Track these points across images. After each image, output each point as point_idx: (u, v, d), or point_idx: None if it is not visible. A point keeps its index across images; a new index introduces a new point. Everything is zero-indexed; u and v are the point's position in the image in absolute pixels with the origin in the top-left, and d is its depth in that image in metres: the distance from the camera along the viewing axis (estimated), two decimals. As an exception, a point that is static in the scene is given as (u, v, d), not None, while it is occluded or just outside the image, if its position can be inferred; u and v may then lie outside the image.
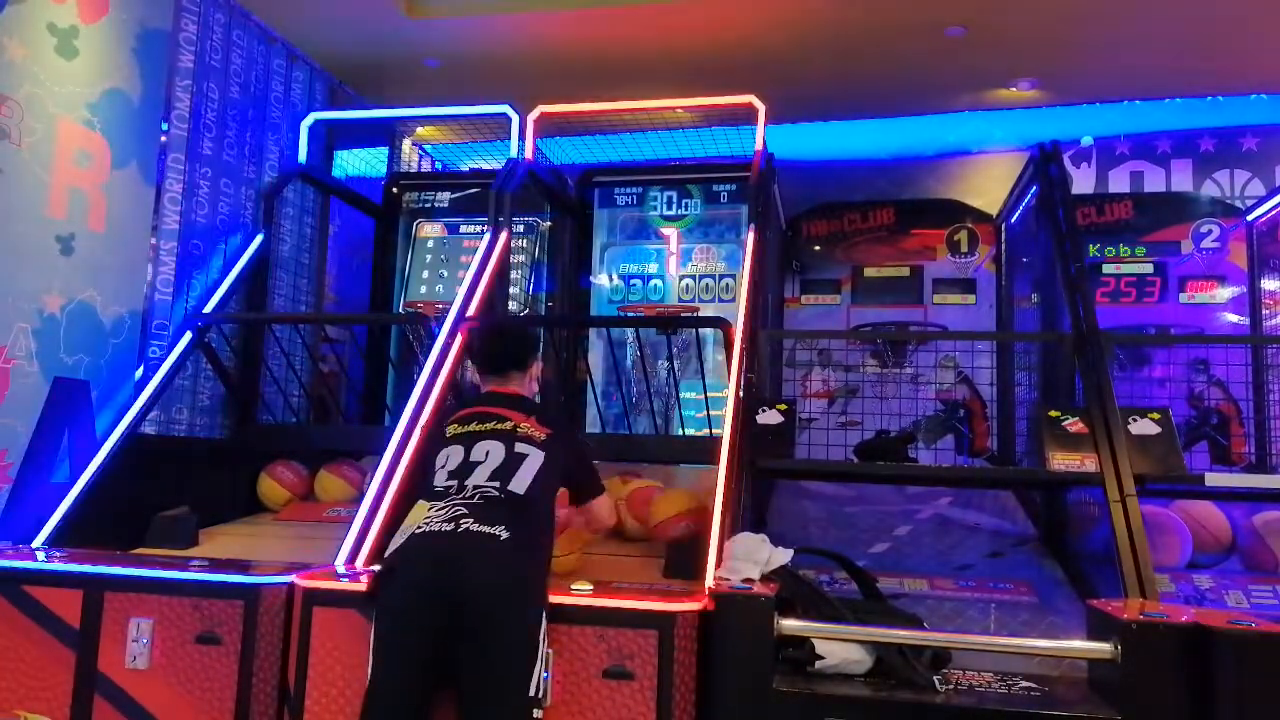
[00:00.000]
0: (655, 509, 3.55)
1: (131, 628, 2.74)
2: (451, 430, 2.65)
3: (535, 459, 2.56)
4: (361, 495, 3.44)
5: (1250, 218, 5.22)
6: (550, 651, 2.52)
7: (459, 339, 3.81)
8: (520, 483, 2.50)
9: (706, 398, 4.39)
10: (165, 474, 4.03)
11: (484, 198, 4.48)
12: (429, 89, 5.71)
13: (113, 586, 2.80)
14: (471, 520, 2.38)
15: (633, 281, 5.59)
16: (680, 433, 4.24)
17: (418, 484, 2.72)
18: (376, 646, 2.39)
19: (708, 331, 4.05)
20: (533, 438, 2.61)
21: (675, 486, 3.79)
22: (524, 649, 2.33)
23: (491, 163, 6.00)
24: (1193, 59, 5.28)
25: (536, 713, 2.36)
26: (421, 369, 3.78)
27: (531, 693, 2.32)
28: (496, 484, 2.47)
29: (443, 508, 2.43)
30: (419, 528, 2.40)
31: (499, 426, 2.62)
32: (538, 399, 3.03)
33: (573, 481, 2.79)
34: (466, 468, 2.52)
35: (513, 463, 2.53)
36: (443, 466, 2.55)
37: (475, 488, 2.46)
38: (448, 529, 2.36)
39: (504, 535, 2.36)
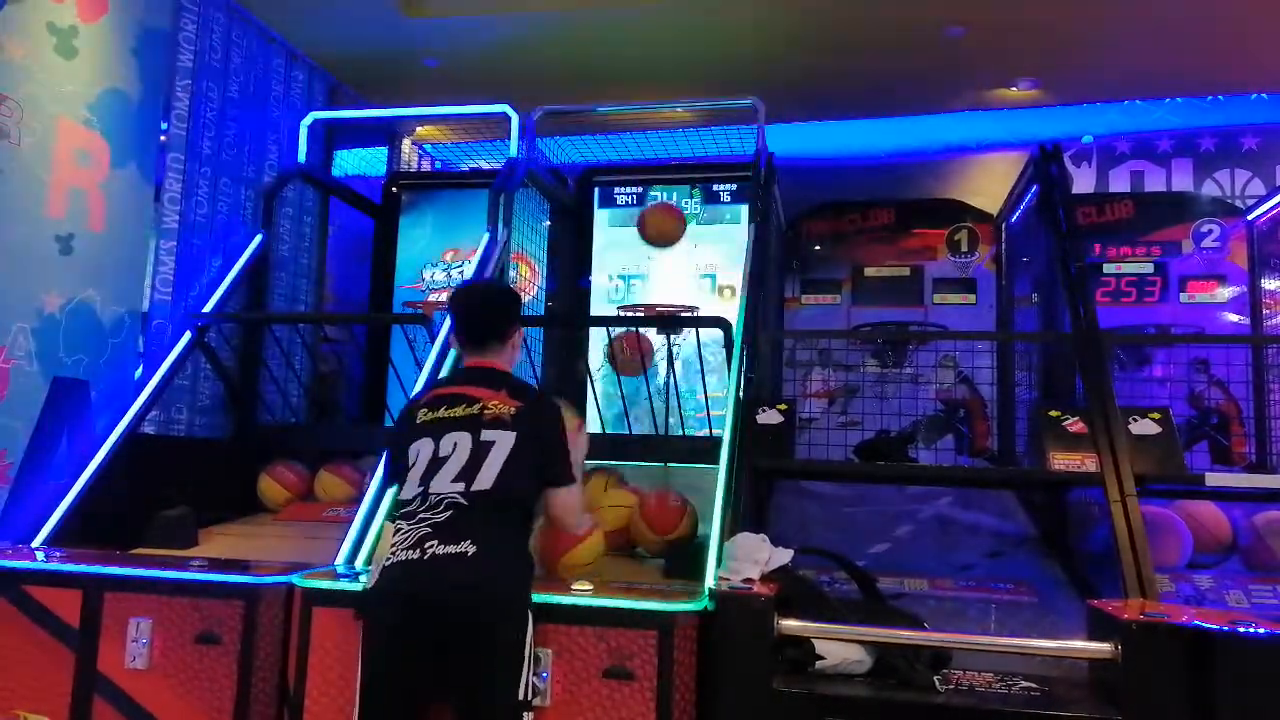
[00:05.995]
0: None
1: (131, 628, 2.74)
2: (422, 416, 2.56)
3: (504, 443, 2.46)
4: (361, 495, 3.44)
5: (1250, 217, 5.22)
6: (548, 652, 2.53)
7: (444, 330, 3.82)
8: (486, 478, 2.41)
9: (707, 398, 4.38)
10: (165, 474, 4.02)
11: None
12: (429, 89, 5.70)
13: (113, 586, 2.80)
14: (436, 542, 2.34)
15: (633, 281, 5.58)
16: (680, 433, 4.23)
17: (391, 473, 2.67)
18: (363, 674, 2.39)
19: (708, 331, 4.04)
20: (501, 416, 2.49)
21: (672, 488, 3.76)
22: (509, 657, 2.31)
23: (491, 163, 5.99)
24: (1193, 59, 5.28)
25: (526, 716, 2.35)
26: (421, 368, 3.79)
27: (521, 697, 2.31)
28: (461, 486, 2.40)
29: (409, 529, 2.39)
30: (388, 559, 2.38)
31: (467, 411, 2.51)
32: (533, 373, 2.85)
33: (538, 460, 2.54)
34: (434, 466, 2.45)
35: (479, 455, 2.44)
36: (413, 465, 2.49)
37: (440, 497, 2.40)
38: (414, 557, 2.33)
39: (471, 551, 2.32)
